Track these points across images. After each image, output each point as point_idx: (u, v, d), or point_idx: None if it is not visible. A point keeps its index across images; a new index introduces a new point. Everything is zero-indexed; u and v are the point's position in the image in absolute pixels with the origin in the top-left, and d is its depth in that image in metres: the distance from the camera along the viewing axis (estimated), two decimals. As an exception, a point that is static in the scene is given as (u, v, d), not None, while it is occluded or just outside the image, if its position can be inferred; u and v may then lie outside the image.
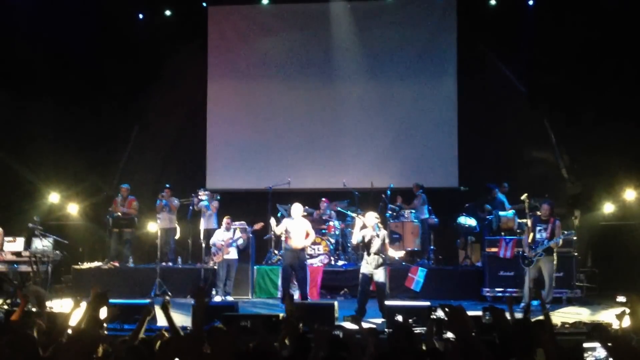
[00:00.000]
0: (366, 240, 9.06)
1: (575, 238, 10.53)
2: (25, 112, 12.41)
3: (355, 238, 9.38)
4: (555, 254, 9.83)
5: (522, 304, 9.69)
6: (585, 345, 4.36)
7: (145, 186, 13.75)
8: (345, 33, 14.27)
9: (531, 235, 9.90)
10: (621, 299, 9.26)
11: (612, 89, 11.40)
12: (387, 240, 9.21)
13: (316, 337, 4.04)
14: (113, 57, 13.25)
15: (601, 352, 4.22)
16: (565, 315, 9.01)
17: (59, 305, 9.57)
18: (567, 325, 7.69)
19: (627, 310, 4.15)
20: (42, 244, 11.00)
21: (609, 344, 2.14)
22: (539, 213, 10.17)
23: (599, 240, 11.94)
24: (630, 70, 11.27)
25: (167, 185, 12.57)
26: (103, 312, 4.37)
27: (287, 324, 4.61)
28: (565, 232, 10.04)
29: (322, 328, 4.48)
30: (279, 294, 11.05)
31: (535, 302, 9.39)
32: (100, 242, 13.17)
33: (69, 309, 4.46)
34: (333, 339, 4.24)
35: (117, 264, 12.08)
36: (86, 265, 12.09)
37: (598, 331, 2.70)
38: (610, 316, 6.55)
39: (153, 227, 12.02)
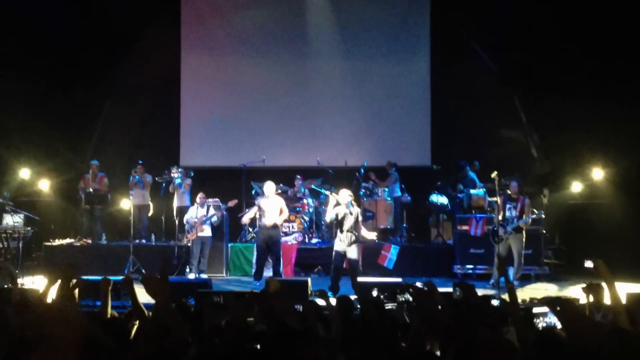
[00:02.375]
0: (339, 217, 9.14)
1: (543, 217, 10.73)
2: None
3: (329, 216, 9.46)
4: (524, 232, 10.02)
5: (492, 281, 9.92)
6: (536, 310, 4.49)
7: (118, 162, 13.62)
8: (320, 10, 14.22)
9: (501, 213, 10.08)
10: (589, 264, 9.47)
11: (583, 68, 11.54)
12: (360, 218, 9.31)
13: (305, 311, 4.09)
14: (84, 30, 13.00)
15: (552, 318, 4.34)
16: (533, 291, 9.23)
17: (31, 282, 9.53)
18: (535, 301, 7.89)
19: (593, 281, 4.23)
20: (12, 219, 10.88)
21: (566, 318, 2.23)
22: (508, 191, 10.34)
23: (567, 218, 12.18)
24: (600, 50, 11.40)
25: (140, 162, 12.46)
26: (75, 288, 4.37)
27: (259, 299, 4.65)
28: (536, 212, 10.23)
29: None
30: (253, 272, 11.11)
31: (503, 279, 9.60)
32: (72, 218, 13.06)
33: (43, 286, 4.44)
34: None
35: (89, 241, 12.01)
36: (58, 242, 12.00)
37: (557, 305, 2.79)
38: (577, 292, 6.72)
39: (126, 204, 11.94)
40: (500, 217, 10.07)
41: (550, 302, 3.43)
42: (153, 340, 3.28)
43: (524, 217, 9.95)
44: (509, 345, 1.88)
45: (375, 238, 10.93)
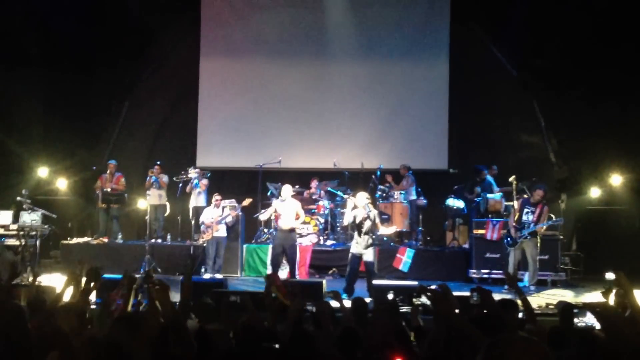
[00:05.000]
0: (357, 220, 9.12)
1: (562, 223, 10.64)
2: (15, 86, 12.26)
3: (347, 219, 9.45)
4: (538, 237, 9.93)
5: (506, 285, 9.83)
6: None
7: (136, 162, 13.72)
8: (339, 11, 14.19)
9: (517, 215, 9.98)
10: (610, 275, 9.39)
11: (602, 73, 11.45)
12: (377, 220, 9.28)
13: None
14: (103, 31, 13.10)
15: (590, 318, 4.33)
16: (549, 297, 9.15)
17: (48, 279, 9.60)
18: (551, 307, 7.83)
19: (614, 289, 4.25)
20: (30, 217, 10.99)
21: (605, 320, 2.25)
22: (525, 196, 10.25)
23: (585, 224, 12.08)
24: (620, 55, 11.30)
25: (157, 162, 12.54)
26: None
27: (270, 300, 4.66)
28: (554, 219, 10.15)
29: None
30: (268, 272, 11.12)
31: (520, 284, 9.54)
32: (89, 217, 13.16)
33: (63, 284, 4.47)
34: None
35: (106, 240, 12.09)
36: (75, 240, 12.09)
37: (596, 307, 2.82)
38: (595, 297, 6.66)
39: (143, 203, 12.02)
40: (514, 220, 9.96)
41: (588, 304, 3.44)
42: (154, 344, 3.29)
43: (540, 222, 9.84)
44: (537, 343, 1.87)
45: (394, 232, 10.86)
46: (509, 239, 9.93)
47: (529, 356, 1.81)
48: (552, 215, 10.21)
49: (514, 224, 9.92)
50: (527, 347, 1.83)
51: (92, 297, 4.72)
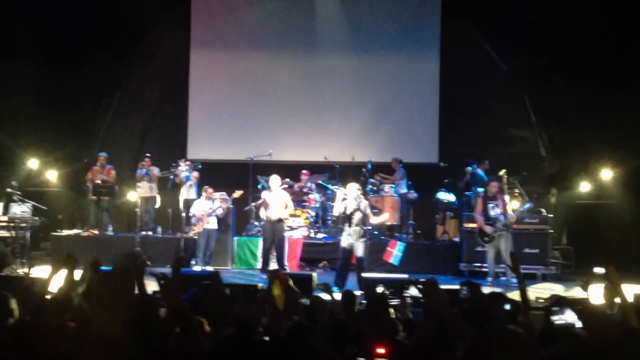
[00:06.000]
0: (348, 211, 9.13)
1: (551, 216, 10.72)
2: (5, 77, 12.15)
3: (337, 209, 9.46)
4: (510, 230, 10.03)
5: (489, 279, 9.89)
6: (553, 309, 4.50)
7: (126, 154, 13.68)
8: (330, 6, 14.18)
9: (480, 212, 10.11)
10: (598, 270, 9.44)
11: (592, 68, 11.50)
12: (368, 211, 9.30)
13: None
14: (94, 23, 13.01)
15: (569, 316, 4.37)
16: (539, 291, 9.20)
17: (38, 271, 9.56)
18: (541, 300, 7.86)
19: (593, 282, 4.28)
20: (20, 209, 10.94)
21: (587, 318, 2.26)
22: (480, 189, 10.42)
23: (575, 218, 12.15)
24: (610, 50, 11.35)
25: (148, 155, 12.50)
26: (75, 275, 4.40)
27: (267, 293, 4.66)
28: (526, 204, 10.29)
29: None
30: (258, 265, 11.15)
31: (503, 278, 9.71)
32: (79, 209, 13.11)
33: (47, 275, 4.47)
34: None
35: (96, 232, 12.05)
36: (65, 232, 12.05)
37: (578, 304, 2.83)
38: (579, 292, 6.70)
39: (133, 195, 11.99)
40: (480, 217, 10.04)
41: (570, 301, 3.47)
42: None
43: (507, 213, 9.92)
44: (522, 337, 1.88)
45: (387, 218, 10.88)
46: (485, 237, 10.00)
47: (514, 349, 1.81)
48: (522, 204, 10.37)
49: (486, 221, 9.99)
50: (512, 340, 1.84)
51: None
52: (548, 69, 12.36)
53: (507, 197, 10.12)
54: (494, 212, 10.01)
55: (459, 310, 4.05)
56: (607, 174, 11.56)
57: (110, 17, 13.17)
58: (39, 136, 12.75)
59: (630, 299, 4.00)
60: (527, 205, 10.47)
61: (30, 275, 7.83)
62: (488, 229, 9.93)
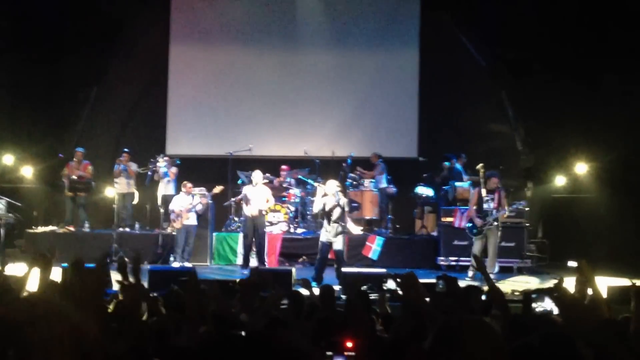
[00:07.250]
0: (327, 208, 9.15)
1: (527, 209, 10.83)
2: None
3: (317, 206, 9.48)
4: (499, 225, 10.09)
5: (470, 273, 9.96)
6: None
7: (104, 150, 13.54)
8: (310, 0, 14.17)
9: (476, 205, 10.11)
10: (572, 264, 9.56)
11: (570, 63, 11.62)
12: (347, 209, 9.33)
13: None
14: (73, 16, 12.84)
15: (548, 304, 4.43)
16: (514, 284, 9.31)
17: (12, 269, 9.44)
18: (516, 293, 7.97)
19: (568, 277, 4.35)
20: (-5, 206, 10.79)
21: (563, 305, 2.30)
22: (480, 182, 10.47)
23: (550, 212, 12.30)
24: (586, 46, 11.47)
25: (125, 150, 12.38)
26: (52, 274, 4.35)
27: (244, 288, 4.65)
28: (517, 202, 10.34)
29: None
30: (238, 261, 11.13)
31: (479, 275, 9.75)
32: (55, 205, 12.95)
33: (23, 272, 4.41)
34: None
35: (72, 229, 11.93)
36: (40, 229, 11.90)
37: (555, 292, 2.90)
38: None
39: (110, 191, 11.88)
40: (474, 209, 10.09)
41: (548, 289, 3.52)
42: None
43: (501, 208, 9.98)
44: (487, 326, 1.90)
45: (360, 233, 11.03)
46: (474, 229, 10.05)
47: (480, 339, 1.83)
48: (517, 201, 10.42)
49: (478, 213, 10.04)
50: (478, 330, 1.85)
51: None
52: (525, 63, 12.46)
53: (504, 192, 10.16)
54: (487, 205, 10.05)
55: (436, 304, 4.09)
56: (582, 168, 11.71)
57: (89, 9, 12.99)
58: (14, 131, 12.56)
59: (603, 291, 4.08)
60: (522, 203, 10.50)
61: (4, 273, 7.71)
62: (478, 222, 9.98)
